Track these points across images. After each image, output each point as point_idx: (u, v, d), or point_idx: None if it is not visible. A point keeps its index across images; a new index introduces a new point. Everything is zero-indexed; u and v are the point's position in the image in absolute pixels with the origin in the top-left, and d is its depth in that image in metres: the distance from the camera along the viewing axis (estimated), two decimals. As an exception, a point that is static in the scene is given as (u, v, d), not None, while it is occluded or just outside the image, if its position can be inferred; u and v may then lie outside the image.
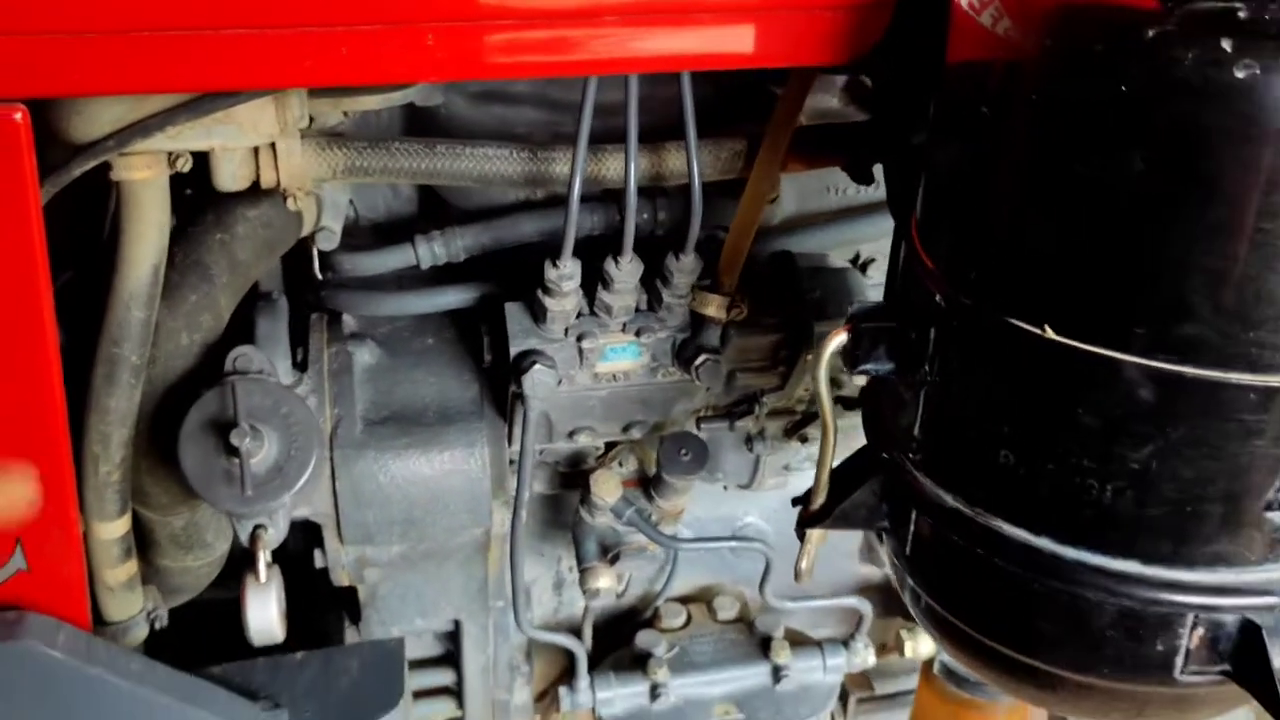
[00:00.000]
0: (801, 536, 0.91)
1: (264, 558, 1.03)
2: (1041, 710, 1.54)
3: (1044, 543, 0.75)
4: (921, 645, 1.42)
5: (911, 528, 0.85)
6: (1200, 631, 0.75)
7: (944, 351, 0.77)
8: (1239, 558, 0.72)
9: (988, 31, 0.69)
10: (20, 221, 0.80)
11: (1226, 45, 0.58)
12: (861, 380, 0.85)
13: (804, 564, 0.92)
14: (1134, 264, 0.65)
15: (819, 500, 0.89)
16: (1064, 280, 0.68)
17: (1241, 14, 0.59)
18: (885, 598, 1.47)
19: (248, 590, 1.03)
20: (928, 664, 1.45)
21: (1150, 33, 0.60)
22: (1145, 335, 0.66)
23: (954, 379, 0.77)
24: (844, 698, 1.59)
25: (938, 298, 0.76)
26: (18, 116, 0.77)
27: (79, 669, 0.97)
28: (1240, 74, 0.58)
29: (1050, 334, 0.69)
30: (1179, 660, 0.76)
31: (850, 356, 0.82)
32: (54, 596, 0.97)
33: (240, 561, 1.10)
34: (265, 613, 1.03)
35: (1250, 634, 0.74)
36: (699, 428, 1.19)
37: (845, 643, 1.38)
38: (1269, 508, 0.70)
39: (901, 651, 1.43)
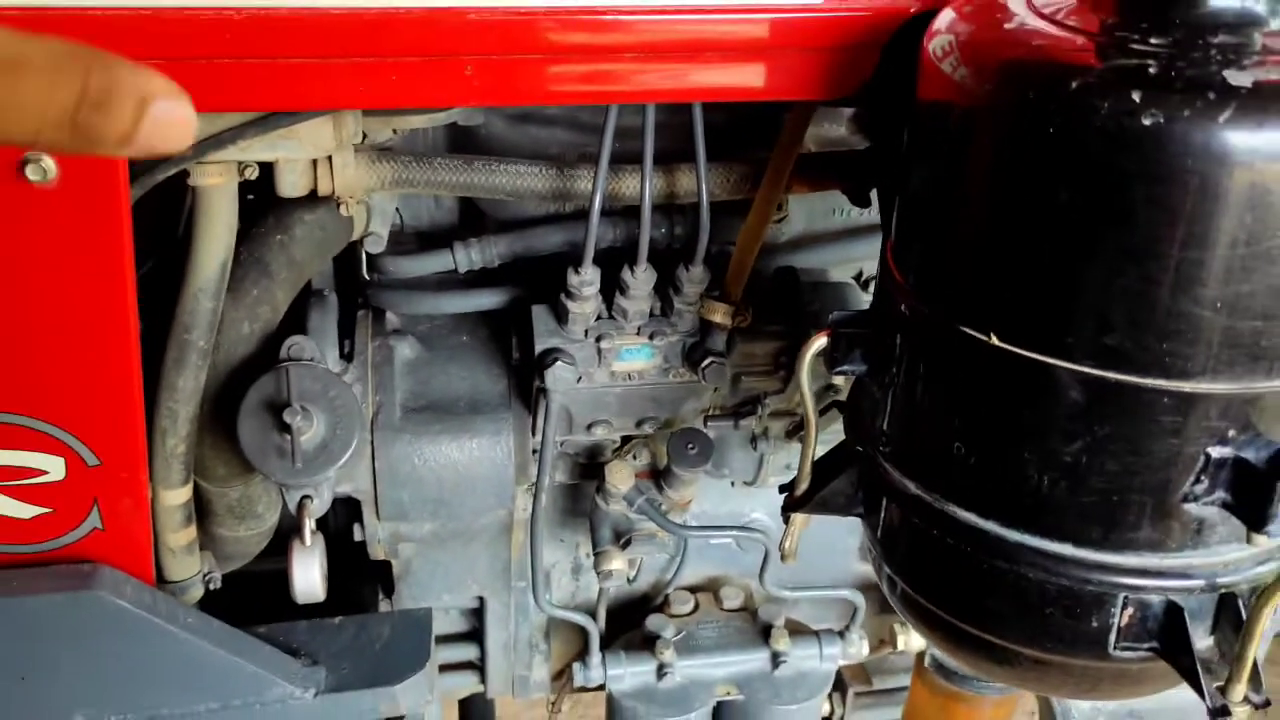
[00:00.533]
0: (786, 519, 1.02)
1: (309, 525, 1.14)
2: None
3: (991, 526, 0.85)
4: (914, 639, 1.51)
5: (882, 514, 0.95)
6: (1130, 610, 0.84)
7: (908, 355, 0.87)
8: (1162, 544, 0.81)
9: (948, 77, 0.79)
10: (113, 217, 0.93)
11: (1136, 97, 0.68)
12: (840, 380, 0.95)
13: (788, 544, 1.02)
14: (1064, 282, 0.74)
15: (802, 487, 0.99)
16: (1007, 294, 0.78)
17: (1152, 70, 0.69)
18: (883, 596, 1.56)
19: (294, 553, 1.15)
20: (920, 658, 1.53)
21: (1074, 84, 0.70)
22: (1074, 344, 0.75)
23: (916, 379, 0.87)
24: (843, 691, 1.68)
25: (904, 307, 0.86)
26: (115, 129, 0.89)
27: (143, 618, 1.08)
28: (1147, 122, 0.68)
29: (995, 341, 0.79)
30: (1112, 637, 0.85)
31: (830, 358, 0.92)
32: (124, 554, 1.09)
33: (287, 537, 1.22)
34: (309, 573, 1.15)
35: (1174, 615, 0.83)
36: (706, 425, 1.29)
37: (841, 633, 1.48)
38: (1186, 500, 0.79)
39: (894, 645, 1.52)
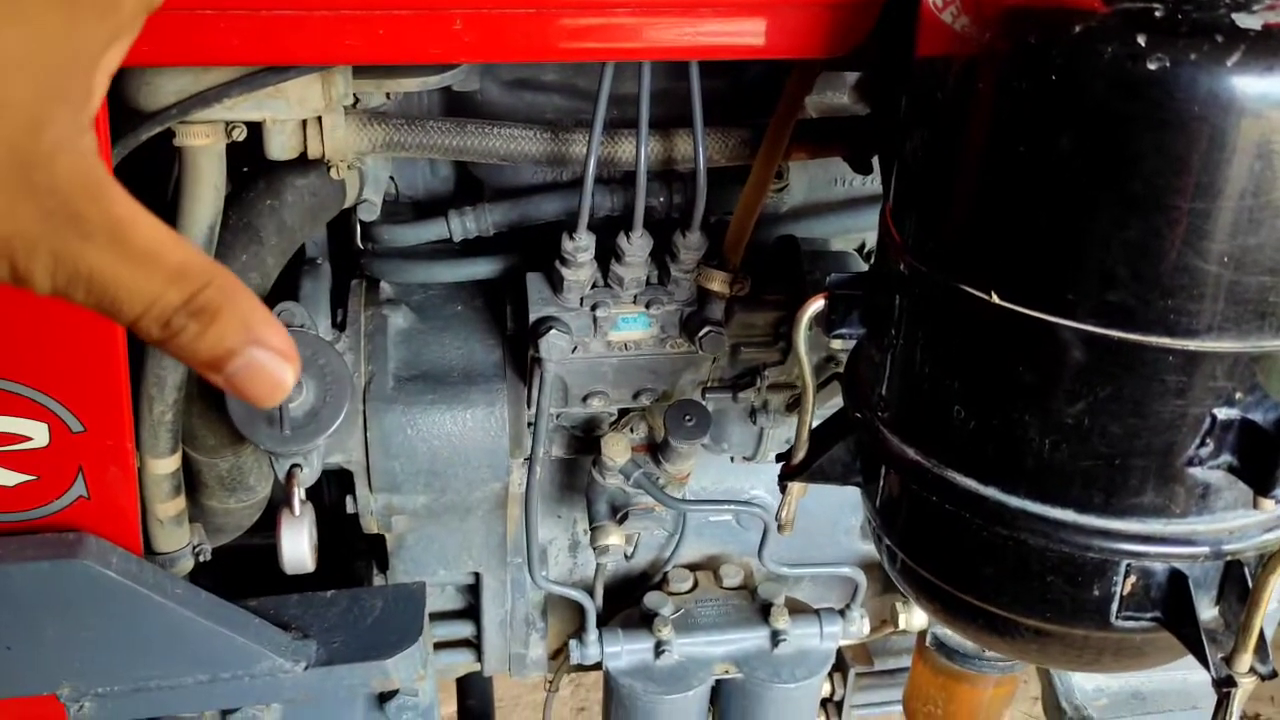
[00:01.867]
0: (783, 489, 1.00)
1: (299, 494, 1.12)
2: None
3: (991, 492, 0.82)
4: (915, 618, 1.49)
5: (881, 482, 0.93)
6: (1133, 579, 0.82)
7: (907, 316, 0.85)
8: (1165, 510, 0.79)
9: (948, 28, 0.76)
10: (94, 177, 0.91)
11: (1141, 40, 0.66)
12: (839, 344, 0.93)
13: (785, 514, 1.00)
14: (1065, 236, 0.72)
15: (799, 456, 0.97)
16: (1008, 251, 0.76)
17: (1158, 13, 0.67)
18: (885, 575, 1.54)
19: (283, 522, 1.13)
20: (922, 637, 1.52)
21: (1077, 29, 0.68)
22: (1077, 301, 0.73)
23: (915, 342, 0.84)
24: (844, 671, 1.66)
25: (902, 267, 0.84)
26: (95, 83, 0.88)
27: (129, 588, 1.07)
28: (1152, 66, 0.65)
29: (995, 299, 0.77)
30: (1114, 606, 0.83)
31: (827, 321, 0.90)
32: (110, 523, 1.07)
33: (277, 510, 1.20)
34: (298, 543, 1.13)
35: (1178, 583, 0.81)
36: (704, 398, 1.27)
37: (842, 612, 1.46)
38: (1190, 463, 0.77)
39: (896, 624, 1.50)
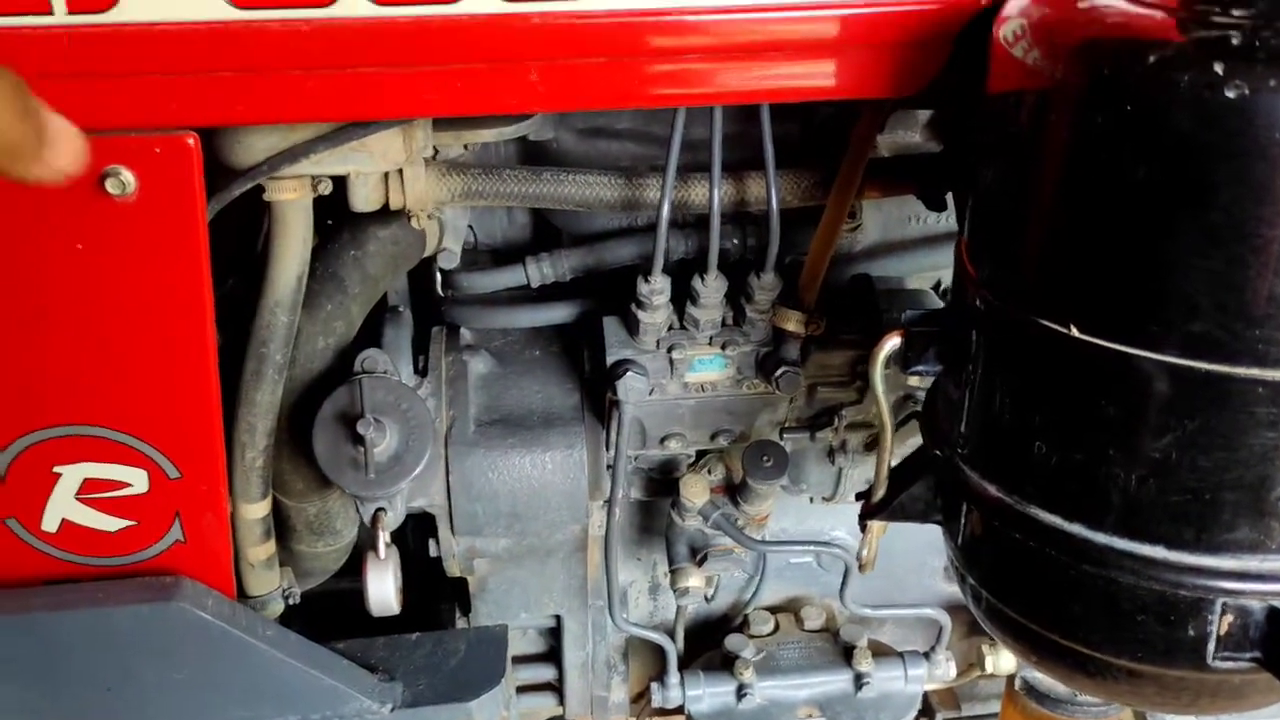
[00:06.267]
0: (863, 528, 0.99)
1: (384, 537, 1.14)
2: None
3: (1077, 529, 0.81)
4: (1003, 661, 1.46)
5: (963, 520, 0.92)
6: (1229, 618, 0.79)
7: (985, 352, 0.84)
8: (1260, 545, 0.77)
9: (1020, 62, 0.77)
10: (189, 233, 0.95)
11: (1219, 69, 0.65)
12: (916, 380, 0.93)
13: (866, 553, 0.99)
14: (1145, 267, 0.71)
15: (879, 494, 0.97)
16: (1087, 284, 0.75)
17: (1235, 41, 0.66)
18: (970, 617, 1.52)
19: (369, 565, 1.15)
20: (1011, 681, 1.48)
21: (1152, 58, 0.67)
22: (1159, 332, 0.72)
23: (994, 377, 0.84)
24: (931, 717, 1.63)
25: (979, 303, 0.83)
26: (191, 141, 0.91)
27: (224, 630, 1.10)
28: (1230, 94, 0.65)
29: (1075, 333, 0.76)
30: (1210, 646, 0.81)
31: (904, 358, 0.90)
32: (205, 567, 1.10)
33: (363, 553, 1.22)
34: (384, 586, 1.15)
35: (1277, 622, 0.79)
36: (782, 438, 1.27)
37: (926, 655, 1.43)
38: (1285, 497, 0.75)
39: (983, 667, 1.47)
